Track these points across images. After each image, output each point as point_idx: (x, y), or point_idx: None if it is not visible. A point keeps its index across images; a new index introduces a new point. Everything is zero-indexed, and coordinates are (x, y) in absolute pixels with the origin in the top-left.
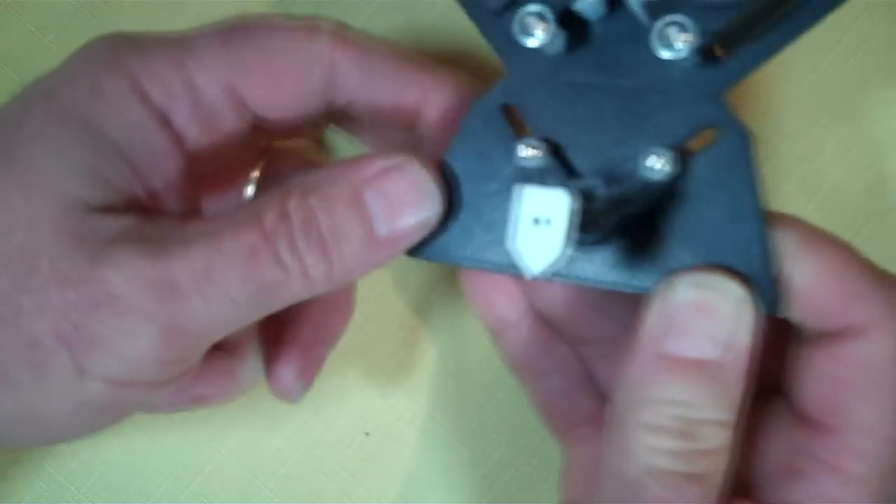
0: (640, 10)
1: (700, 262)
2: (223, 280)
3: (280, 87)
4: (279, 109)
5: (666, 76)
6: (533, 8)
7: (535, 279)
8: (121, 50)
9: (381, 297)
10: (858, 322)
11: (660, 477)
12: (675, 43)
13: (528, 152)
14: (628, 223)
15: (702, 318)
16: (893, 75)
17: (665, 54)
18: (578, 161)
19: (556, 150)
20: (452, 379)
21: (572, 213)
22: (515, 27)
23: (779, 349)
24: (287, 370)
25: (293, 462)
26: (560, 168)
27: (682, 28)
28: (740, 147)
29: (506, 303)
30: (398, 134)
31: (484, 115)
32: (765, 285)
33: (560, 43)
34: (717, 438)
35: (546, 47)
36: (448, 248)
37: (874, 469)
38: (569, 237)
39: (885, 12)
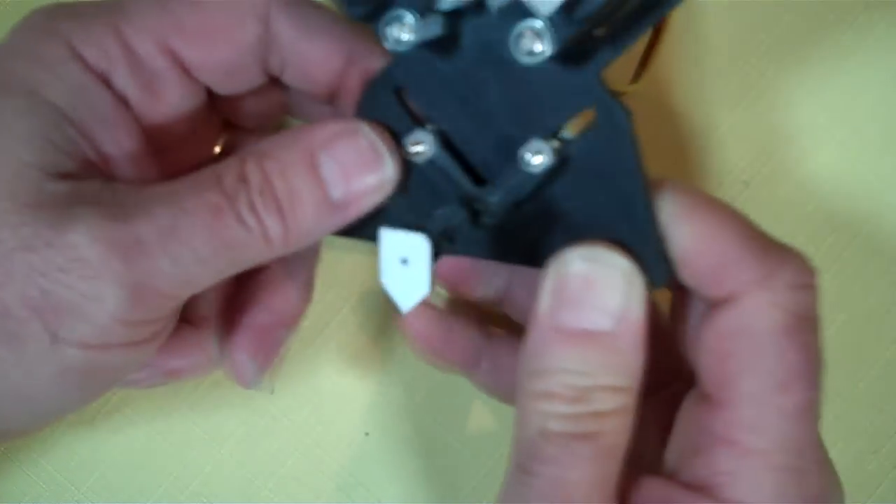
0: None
1: (591, 237)
2: (189, 238)
3: (215, 41)
4: (217, 68)
5: (542, 64)
6: (393, 14)
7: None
8: (56, 18)
9: (382, 298)
10: (735, 289)
11: (552, 438)
12: (534, 47)
13: (415, 147)
14: (525, 206)
15: (591, 290)
16: (893, 75)
17: (526, 60)
18: (468, 151)
19: (447, 139)
20: (453, 379)
21: (435, 253)
22: (380, 36)
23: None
24: (240, 353)
25: (293, 462)
26: (451, 161)
27: (538, 34)
28: (619, 125)
29: (457, 351)
30: (325, 109)
31: (378, 96)
32: (652, 258)
33: (433, 35)
34: (611, 402)
35: (416, 47)
36: (362, 227)
37: (773, 442)
38: (434, 275)
39: (884, 12)
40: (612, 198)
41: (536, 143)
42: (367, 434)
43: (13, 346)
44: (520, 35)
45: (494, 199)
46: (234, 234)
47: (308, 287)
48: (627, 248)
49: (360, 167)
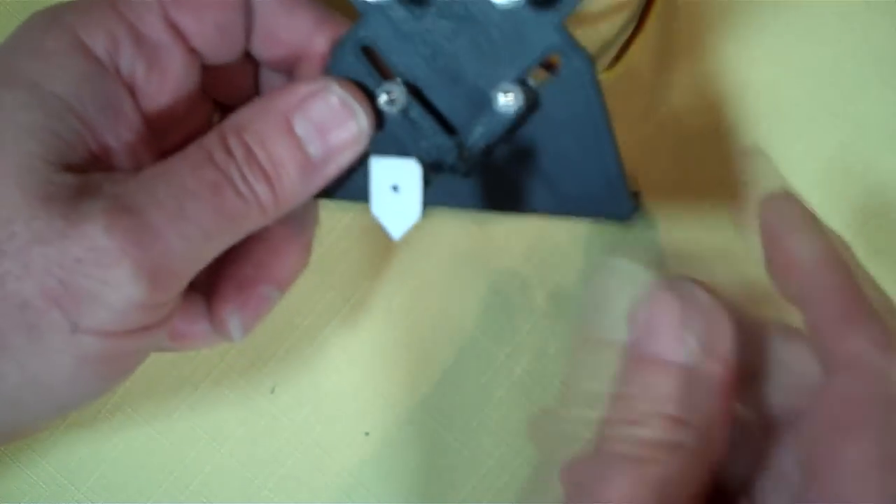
0: None
1: (561, 179)
2: (196, 216)
3: (209, 3)
4: (212, 32)
5: (509, 12)
6: None
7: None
8: (58, 12)
9: (382, 297)
10: (855, 350)
11: (602, 455)
12: None
13: (387, 98)
14: (497, 152)
15: (672, 321)
16: (893, 75)
17: (502, 3)
18: (439, 101)
19: (417, 93)
20: (452, 379)
21: (425, 178)
22: None
23: None
24: (223, 305)
25: (293, 462)
26: (423, 111)
27: None
28: (581, 70)
29: None
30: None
31: (347, 56)
32: (619, 194)
33: None
34: (668, 433)
35: (387, 3)
36: (345, 187)
37: None
38: (424, 200)
39: (884, 12)
40: (580, 140)
41: (506, 84)
42: (367, 434)
43: (33, 336)
44: None
45: (468, 141)
46: (235, 207)
47: (304, 249)
48: (596, 187)
49: (334, 123)
